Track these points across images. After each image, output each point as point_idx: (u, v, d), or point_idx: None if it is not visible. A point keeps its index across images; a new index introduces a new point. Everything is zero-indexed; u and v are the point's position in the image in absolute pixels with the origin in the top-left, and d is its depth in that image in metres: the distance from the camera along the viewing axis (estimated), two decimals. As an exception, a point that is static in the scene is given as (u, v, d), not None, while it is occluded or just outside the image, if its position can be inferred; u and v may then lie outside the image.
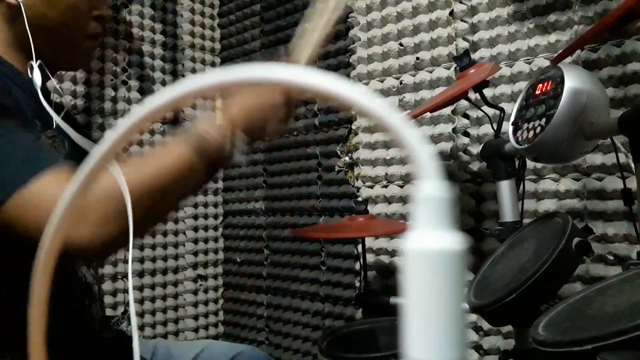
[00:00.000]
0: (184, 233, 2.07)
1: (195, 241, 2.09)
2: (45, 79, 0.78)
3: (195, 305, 2.07)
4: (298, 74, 0.23)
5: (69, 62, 0.85)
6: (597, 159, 1.20)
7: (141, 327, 1.86)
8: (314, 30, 0.78)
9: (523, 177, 1.10)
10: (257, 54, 2.08)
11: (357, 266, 1.67)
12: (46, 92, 0.79)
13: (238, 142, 0.70)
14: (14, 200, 0.58)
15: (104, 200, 0.58)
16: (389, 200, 1.60)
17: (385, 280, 1.60)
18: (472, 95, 1.21)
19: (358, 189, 1.69)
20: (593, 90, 0.83)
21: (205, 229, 2.14)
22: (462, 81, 1.14)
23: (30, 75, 0.74)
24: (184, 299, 2.04)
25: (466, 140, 1.44)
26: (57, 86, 0.74)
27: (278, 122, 0.75)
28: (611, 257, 1.18)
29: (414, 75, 1.54)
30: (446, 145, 1.46)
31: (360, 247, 1.48)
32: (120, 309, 1.80)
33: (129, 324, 0.88)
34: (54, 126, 0.74)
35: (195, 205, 2.11)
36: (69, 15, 0.78)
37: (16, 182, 0.58)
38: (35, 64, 0.73)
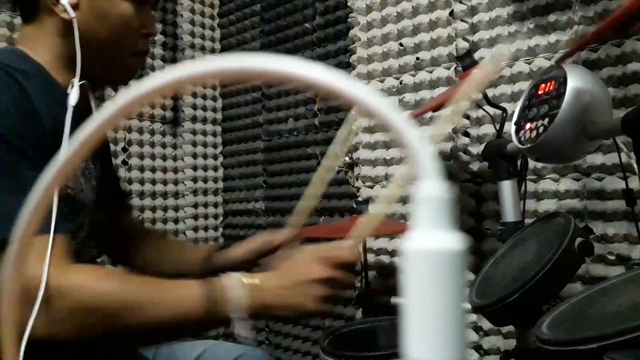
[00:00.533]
0: (184, 233, 2.06)
1: (195, 241, 2.09)
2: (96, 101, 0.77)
3: (196, 305, 2.06)
4: (301, 68, 0.22)
5: (112, 78, 0.84)
6: (597, 159, 1.20)
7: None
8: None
9: (525, 177, 1.10)
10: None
11: (357, 266, 1.67)
12: (89, 112, 0.78)
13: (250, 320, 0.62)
14: None
15: (78, 313, 0.58)
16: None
17: (385, 280, 1.60)
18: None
19: (358, 189, 1.68)
20: (596, 90, 0.82)
21: (205, 229, 2.13)
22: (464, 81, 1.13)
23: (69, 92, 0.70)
24: (184, 300, 2.03)
25: (466, 140, 1.43)
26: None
27: (315, 300, 0.65)
28: (611, 257, 1.17)
29: (414, 75, 1.54)
30: (446, 145, 1.46)
31: (360, 247, 1.48)
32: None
33: None
34: None
35: (195, 205, 2.11)
36: (119, 32, 0.78)
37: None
38: (76, 82, 0.70)
